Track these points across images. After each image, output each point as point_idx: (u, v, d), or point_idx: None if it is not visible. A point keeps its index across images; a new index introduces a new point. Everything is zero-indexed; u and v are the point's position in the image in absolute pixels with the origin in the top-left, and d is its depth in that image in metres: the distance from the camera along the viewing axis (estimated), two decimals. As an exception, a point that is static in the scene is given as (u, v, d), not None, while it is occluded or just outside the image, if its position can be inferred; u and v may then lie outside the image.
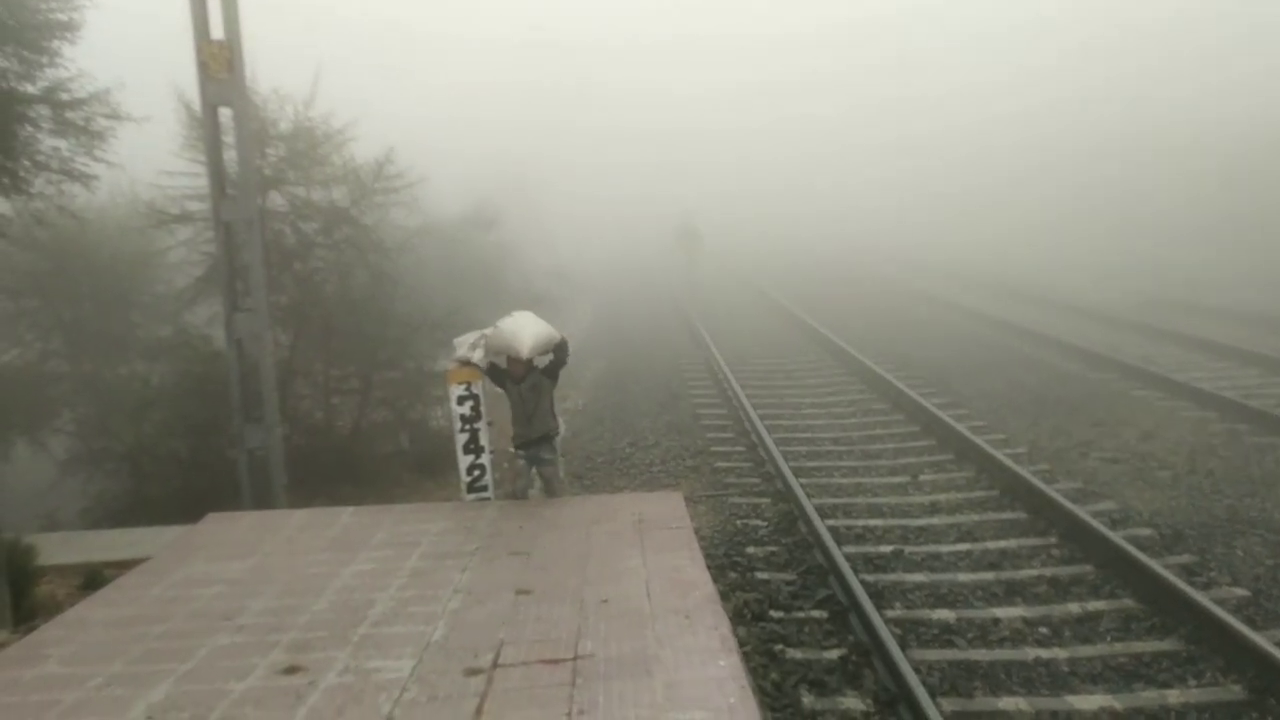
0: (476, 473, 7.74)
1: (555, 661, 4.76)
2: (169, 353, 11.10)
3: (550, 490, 7.82)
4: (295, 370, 11.16)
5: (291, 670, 4.84)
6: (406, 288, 11.84)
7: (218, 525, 7.52)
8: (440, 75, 58.66)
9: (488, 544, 6.68)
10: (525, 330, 7.46)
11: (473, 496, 7.76)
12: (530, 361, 7.51)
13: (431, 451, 10.88)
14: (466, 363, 7.60)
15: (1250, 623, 6.25)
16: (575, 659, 4.78)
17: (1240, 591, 6.87)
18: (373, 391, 11.43)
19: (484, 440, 7.71)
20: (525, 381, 7.52)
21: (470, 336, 7.66)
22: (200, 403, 10.26)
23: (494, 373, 7.65)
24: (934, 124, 56.00)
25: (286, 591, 5.99)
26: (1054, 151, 42.62)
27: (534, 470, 7.93)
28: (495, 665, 4.77)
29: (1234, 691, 5.60)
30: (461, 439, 7.69)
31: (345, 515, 7.62)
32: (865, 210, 51.06)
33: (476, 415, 7.68)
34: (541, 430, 7.62)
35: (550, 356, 7.67)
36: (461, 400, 7.65)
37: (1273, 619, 6.45)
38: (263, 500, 8.94)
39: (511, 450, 7.93)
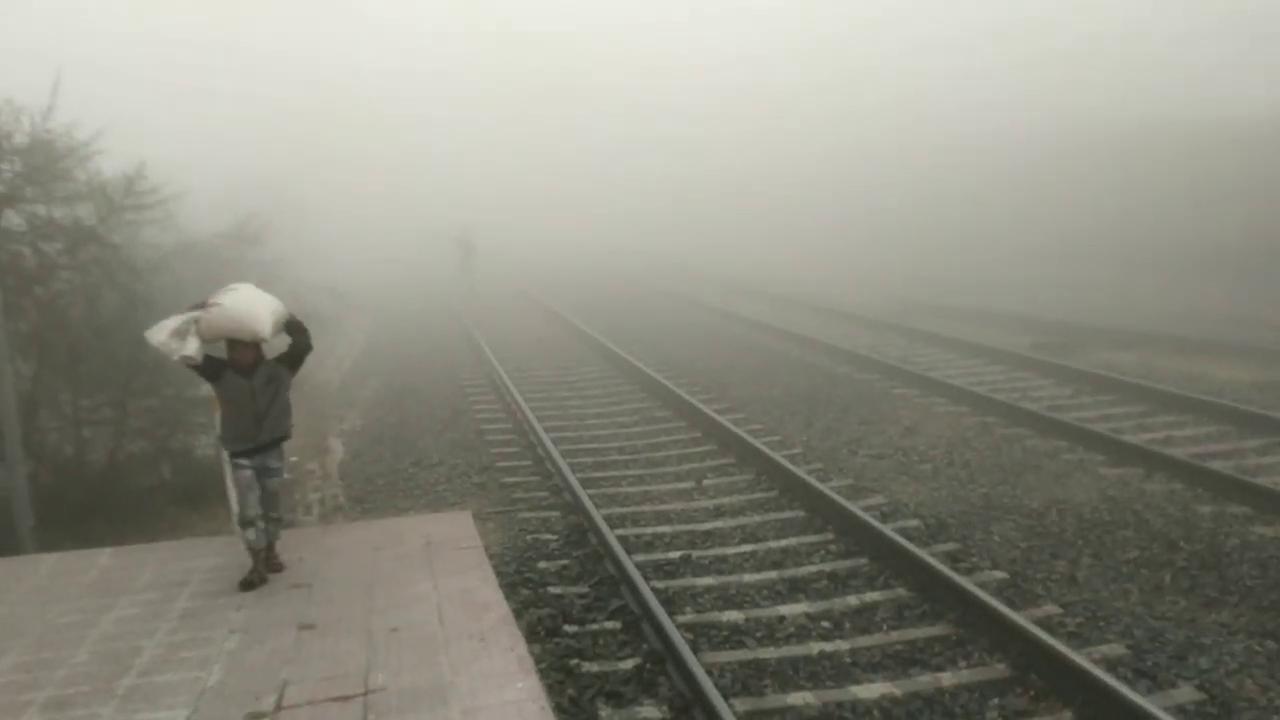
0: (250, 503, 7.31)
1: (344, 698, 4.54)
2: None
3: (272, 505, 6.34)
4: (39, 402, 10.24)
5: (45, 734, 4.40)
6: (162, 310, 11.06)
7: (-48, 578, 6.77)
8: (205, 87, 56.13)
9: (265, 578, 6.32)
10: (259, 305, 6.17)
11: (246, 529, 7.33)
12: (261, 346, 6.26)
13: (197, 483, 10.21)
14: (188, 362, 6.06)
15: (1010, 603, 6.71)
16: (366, 694, 4.57)
17: (1000, 574, 7.37)
18: (128, 421, 10.62)
19: (257, 468, 7.29)
20: (257, 373, 6.20)
21: (172, 322, 6.03)
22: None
23: (208, 366, 6.19)
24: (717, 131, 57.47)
25: (39, 645, 5.45)
26: (822, 162, 44.80)
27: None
28: (279, 707, 4.50)
29: (999, 670, 5.99)
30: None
31: (104, 557, 7.03)
32: (656, 227, 52.02)
33: (248, 442, 7.25)
34: (275, 433, 6.33)
35: (288, 341, 6.50)
36: (231, 427, 7.21)
37: (1029, 599, 6.96)
38: (7, 546, 8.13)
39: (229, 459, 6.44)
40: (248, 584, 6.20)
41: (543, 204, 60.93)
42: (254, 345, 6.15)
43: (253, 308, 6.10)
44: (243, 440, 6.25)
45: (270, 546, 6.40)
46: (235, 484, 6.36)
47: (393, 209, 57.33)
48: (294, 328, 6.39)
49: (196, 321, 6.02)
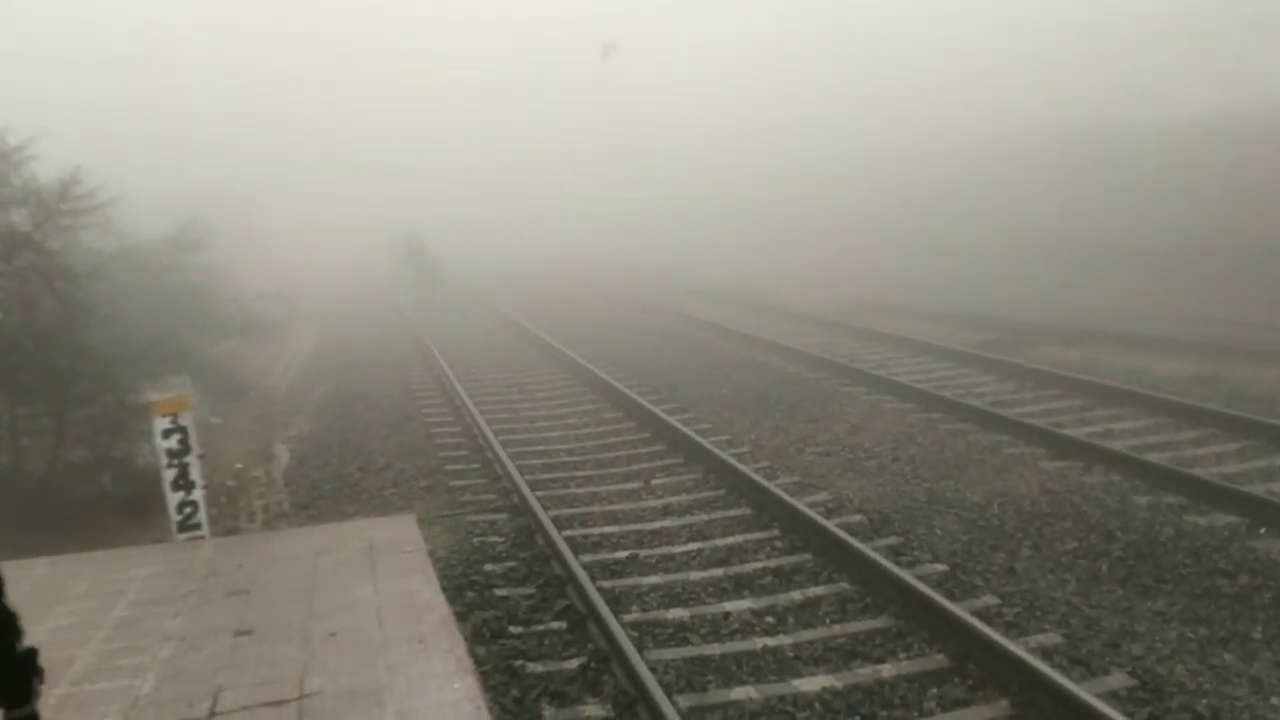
0: (188, 510, 7.24)
1: (279, 703, 4.51)
2: None
3: None
4: (-26, 413, 10.06)
5: (-28, 746, 4.32)
6: (102, 317, 10.91)
7: (-121, 592, 6.63)
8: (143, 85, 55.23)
9: (203, 585, 6.25)
10: None
11: (185, 536, 7.25)
12: None
13: (139, 492, 10.01)
14: None
15: (950, 595, 6.80)
16: (301, 698, 4.55)
17: (940, 567, 7.47)
18: (68, 430, 10.45)
19: (195, 474, 7.22)
20: None
21: None
22: None
23: None
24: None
25: (-34, 659, 5.35)
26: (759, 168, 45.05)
27: None
28: (213, 714, 4.46)
29: (939, 661, 6.06)
30: (170, 475, 7.17)
31: (40, 567, 6.93)
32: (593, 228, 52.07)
33: (185, 448, 7.18)
34: None
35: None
36: (167, 434, 7.13)
37: (969, 590, 7.05)
38: (-62, 559, 7.98)
39: None
40: None
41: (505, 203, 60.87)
42: None
43: None
44: None
45: None
46: None
47: (366, 209, 56.92)
48: None
49: None
